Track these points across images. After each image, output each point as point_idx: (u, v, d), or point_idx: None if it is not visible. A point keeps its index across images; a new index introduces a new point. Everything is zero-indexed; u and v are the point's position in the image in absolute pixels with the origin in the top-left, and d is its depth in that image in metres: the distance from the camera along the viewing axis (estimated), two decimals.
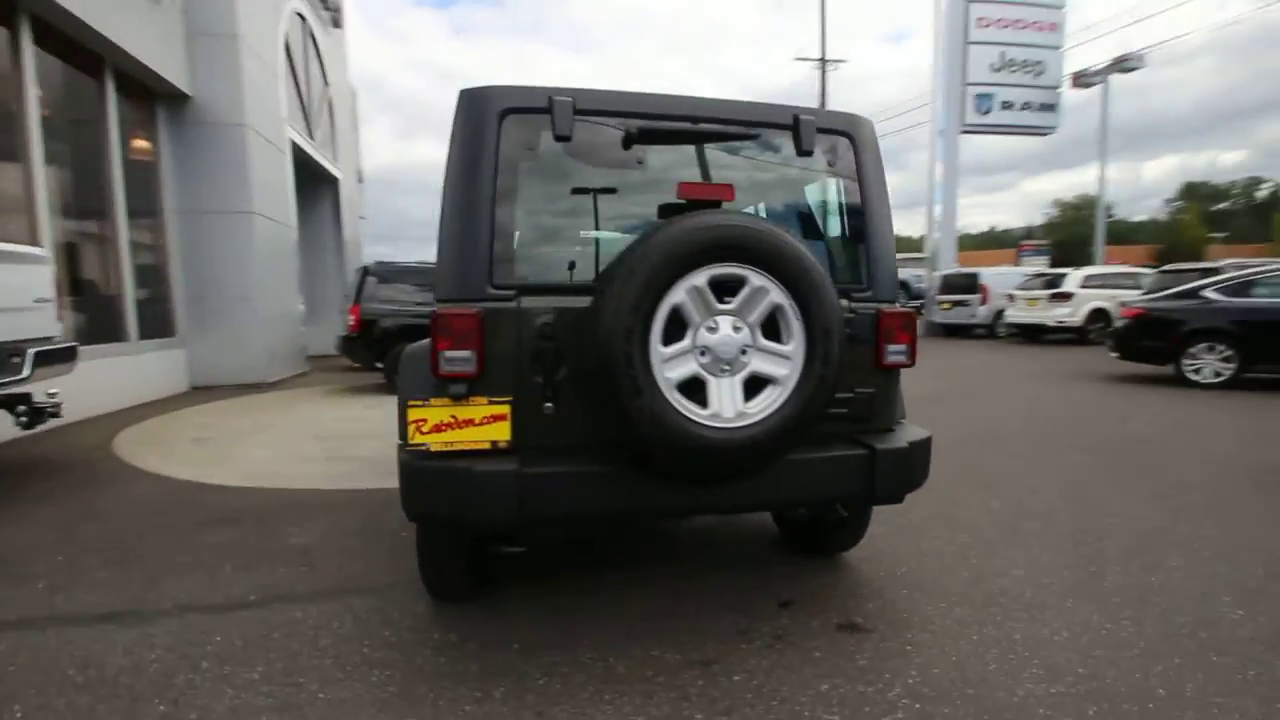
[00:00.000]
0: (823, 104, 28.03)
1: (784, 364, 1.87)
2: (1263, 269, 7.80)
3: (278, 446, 5.22)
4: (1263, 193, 66.95)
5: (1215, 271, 9.08)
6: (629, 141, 2.06)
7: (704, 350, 1.82)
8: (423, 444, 1.93)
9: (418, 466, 1.91)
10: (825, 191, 2.33)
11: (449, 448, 1.94)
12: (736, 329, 1.84)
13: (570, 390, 1.97)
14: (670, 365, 1.79)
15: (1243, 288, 7.55)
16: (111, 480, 4.30)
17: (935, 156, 17.03)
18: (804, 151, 2.18)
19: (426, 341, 1.93)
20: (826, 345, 1.85)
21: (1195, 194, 70.01)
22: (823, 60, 28.22)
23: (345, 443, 5.30)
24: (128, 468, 4.62)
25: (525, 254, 2.05)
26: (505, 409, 1.95)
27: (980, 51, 16.32)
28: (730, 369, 1.84)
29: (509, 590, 2.59)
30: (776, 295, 1.83)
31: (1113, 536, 3.15)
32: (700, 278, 1.78)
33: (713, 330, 1.83)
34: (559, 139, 2.00)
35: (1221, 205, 65.80)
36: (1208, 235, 45.38)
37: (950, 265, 16.55)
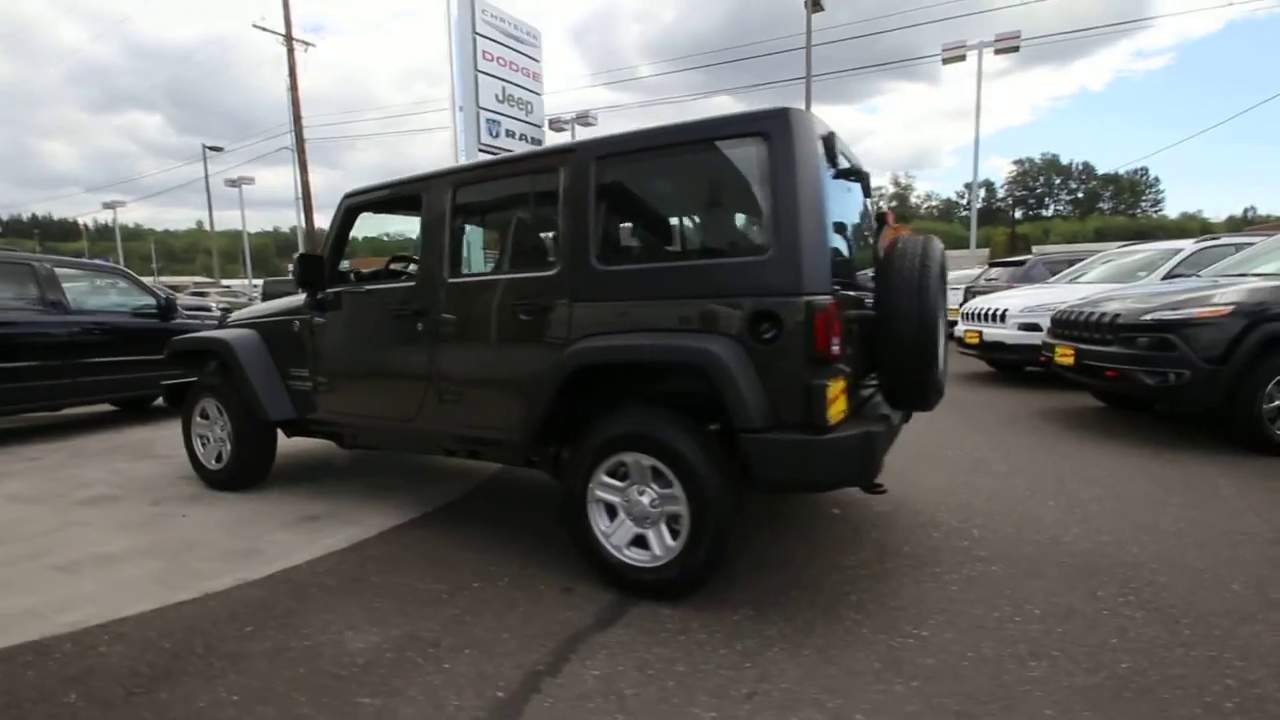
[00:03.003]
0: (293, 84, 25.84)
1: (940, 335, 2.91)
2: None
3: None
4: None
5: None
6: (846, 175, 2.68)
7: None
8: (830, 419, 2.17)
9: (847, 438, 2.15)
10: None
11: (836, 420, 2.23)
12: None
13: (851, 365, 2.50)
14: None
15: None
16: None
17: None
18: (868, 194, 3.20)
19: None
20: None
21: None
22: (289, 37, 25.91)
23: (26, 544, 3.08)
24: None
25: (836, 256, 2.44)
26: (845, 384, 2.35)
27: (488, 81, 18.43)
28: None
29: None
30: None
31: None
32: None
33: None
34: (831, 165, 2.48)
35: None
36: None
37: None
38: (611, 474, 2.54)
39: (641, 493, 2.50)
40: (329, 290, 3.46)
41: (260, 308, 4.12)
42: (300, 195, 25.29)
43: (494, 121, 18.77)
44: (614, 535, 2.55)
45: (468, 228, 3.16)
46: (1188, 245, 7.29)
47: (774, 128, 2.26)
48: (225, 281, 33.76)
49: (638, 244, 2.68)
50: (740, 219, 2.48)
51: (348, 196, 3.46)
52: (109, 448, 5.28)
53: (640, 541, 2.52)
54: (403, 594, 2.58)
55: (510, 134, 19.36)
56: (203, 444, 4.08)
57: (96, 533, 3.31)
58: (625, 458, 2.49)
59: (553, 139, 23.65)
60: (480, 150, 18.58)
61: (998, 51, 16.12)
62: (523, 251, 2.99)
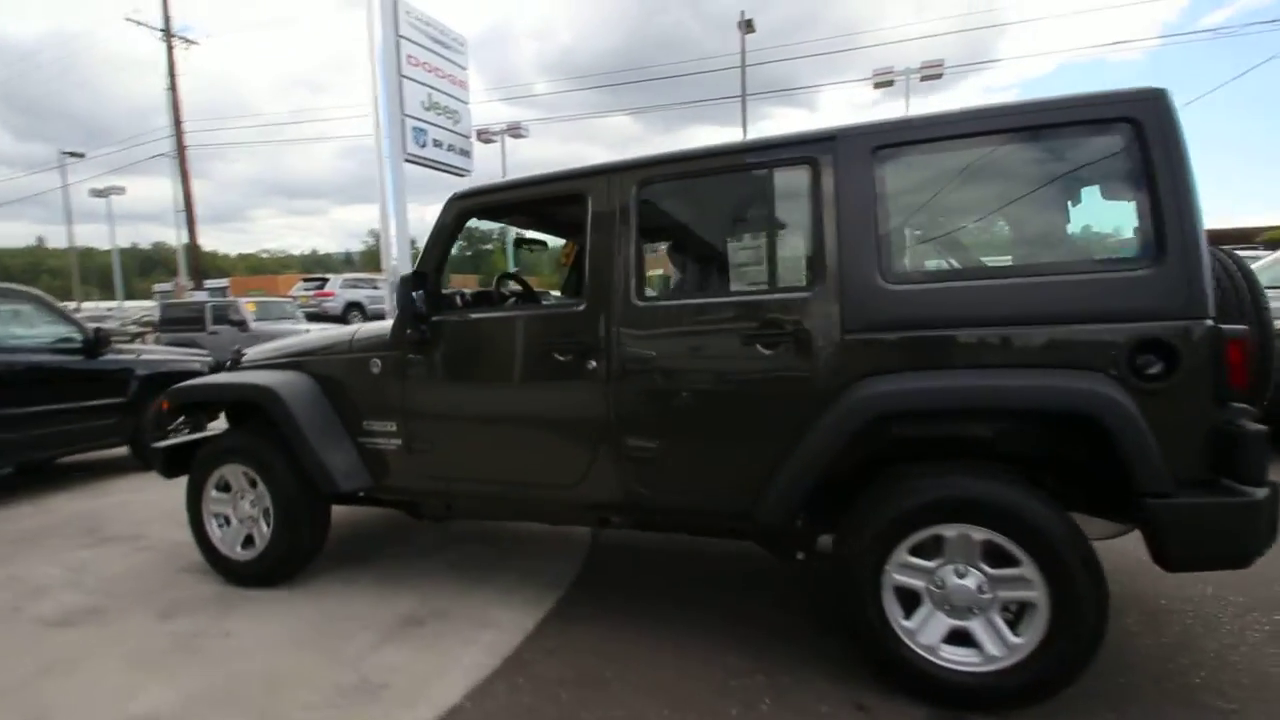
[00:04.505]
0: (173, 85, 23.19)
1: None
2: None
3: None
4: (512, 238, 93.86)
5: None
6: None
7: None
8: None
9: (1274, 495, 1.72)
10: None
11: None
12: None
13: None
14: None
15: None
16: None
17: (385, 181, 16.99)
18: None
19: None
20: None
21: (470, 235, 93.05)
22: (168, 33, 23.22)
23: None
24: None
25: None
26: None
27: (413, 88, 17.27)
28: None
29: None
30: None
31: None
32: None
33: None
34: None
35: (487, 246, 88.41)
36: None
37: None
38: (917, 551, 1.98)
39: (962, 575, 1.95)
40: (434, 319, 2.64)
41: (301, 342, 3.17)
42: (185, 208, 22.47)
43: (420, 130, 17.56)
44: (921, 632, 1.98)
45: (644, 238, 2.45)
46: None
47: (1149, 112, 1.82)
48: (86, 305, 29.36)
49: (943, 256, 2.16)
50: (1092, 223, 2.03)
51: (459, 198, 2.66)
52: (38, 530, 3.99)
53: (958, 637, 1.97)
54: None
55: (438, 144, 18.22)
56: (221, 525, 3.07)
57: (103, 673, 2.30)
58: (945, 531, 1.93)
59: (481, 151, 22.49)
60: (407, 160, 17.33)
61: (924, 78, 17.11)
62: (756, 267, 2.36)
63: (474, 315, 2.71)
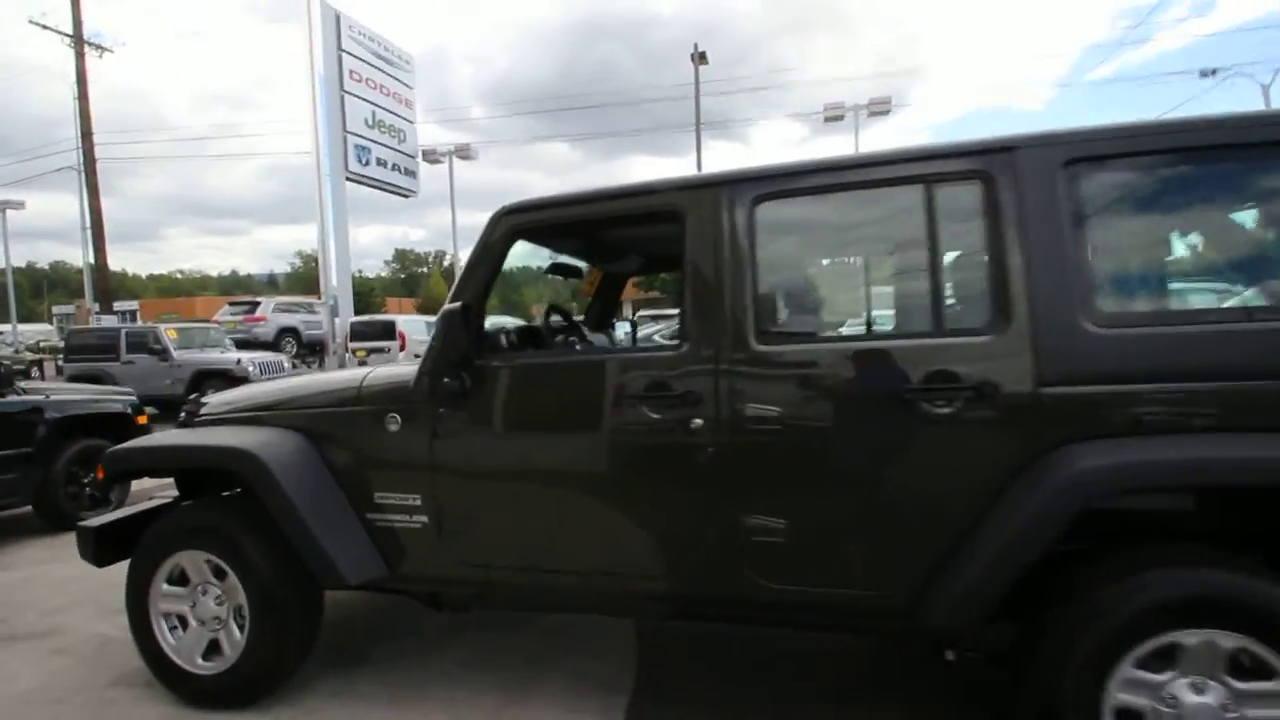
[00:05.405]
0: (82, 94, 21.47)
1: None
2: None
3: None
4: (447, 261, 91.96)
5: None
6: None
7: None
8: None
9: None
10: None
11: None
12: None
13: None
14: None
15: None
16: None
17: (325, 200, 15.92)
18: None
19: None
20: None
21: (404, 258, 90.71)
22: (78, 39, 21.46)
23: None
24: None
25: None
26: None
27: (355, 104, 16.51)
28: None
29: None
30: None
31: None
32: None
33: None
34: None
35: (422, 269, 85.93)
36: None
37: (349, 312, 15.89)
38: (1142, 663, 1.58)
39: (1201, 690, 1.55)
40: (477, 363, 2.09)
41: (282, 390, 2.53)
42: (92, 225, 20.47)
43: (363, 148, 16.74)
44: None
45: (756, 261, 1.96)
46: None
47: None
48: None
49: (1153, 294, 1.80)
50: None
51: (509, 213, 2.13)
52: None
53: None
54: None
55: (382, 162, 17.42)
56: (175, 628, 2.36)
57: None
58: (1186, 638, 1.54)
59: (428, 171, 21.51)
60: (349, 179, 16.39)
61: (870, 114, 17.67)
62: (911, 304, 1.93)
63: (534, 360, 2.17)
